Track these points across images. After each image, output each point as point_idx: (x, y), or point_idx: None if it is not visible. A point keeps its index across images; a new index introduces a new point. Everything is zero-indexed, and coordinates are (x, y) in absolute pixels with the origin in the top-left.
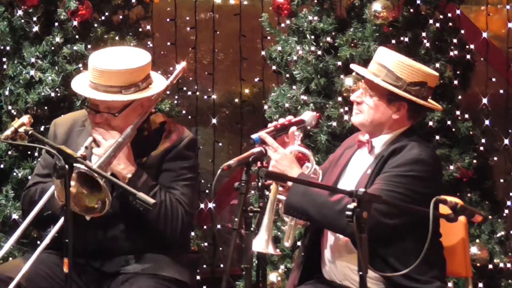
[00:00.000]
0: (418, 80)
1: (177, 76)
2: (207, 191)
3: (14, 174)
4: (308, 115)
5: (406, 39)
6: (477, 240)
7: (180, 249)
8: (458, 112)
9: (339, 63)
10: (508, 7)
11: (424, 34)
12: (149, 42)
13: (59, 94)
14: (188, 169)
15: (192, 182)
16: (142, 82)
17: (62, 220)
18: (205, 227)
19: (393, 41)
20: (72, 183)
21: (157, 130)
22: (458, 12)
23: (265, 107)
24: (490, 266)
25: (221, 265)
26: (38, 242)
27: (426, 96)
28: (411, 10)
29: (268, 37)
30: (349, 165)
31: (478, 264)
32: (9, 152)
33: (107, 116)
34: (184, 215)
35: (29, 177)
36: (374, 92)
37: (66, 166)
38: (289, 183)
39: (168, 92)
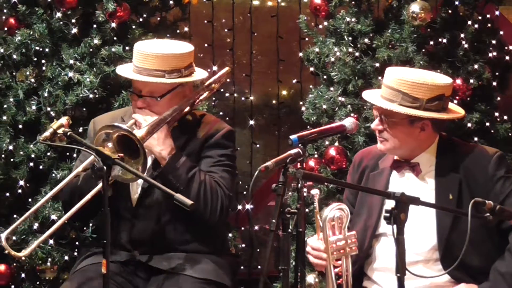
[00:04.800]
0: (435, 95)
1: (220, 79)
2: (244, 192)
3: (53, 175)
4: (349, 121)
5: (444, 41)
6: None
7: (221, 250)
8: (496, 114)
9: (377, 64)
10: None
11: (462, 35)
12: None
13: (97, 96)
14: (226, 157)
15: (230, 169)
16: (185, 69)
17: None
18: (242, 228)
19: (431, 43)
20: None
21: (198, 120)
22: (497, 13)
23: (303, 108)
24: None
25: (259, 267)
26: (77, 243)
27: (446, 107)
28: (449, 11)
29: (306, 39)
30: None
31: None
32: (48, 153)
33: (149, 101)
34: (224, 197)
35: None
36: (393, 117)
37: (104, 168)
38: None
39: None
